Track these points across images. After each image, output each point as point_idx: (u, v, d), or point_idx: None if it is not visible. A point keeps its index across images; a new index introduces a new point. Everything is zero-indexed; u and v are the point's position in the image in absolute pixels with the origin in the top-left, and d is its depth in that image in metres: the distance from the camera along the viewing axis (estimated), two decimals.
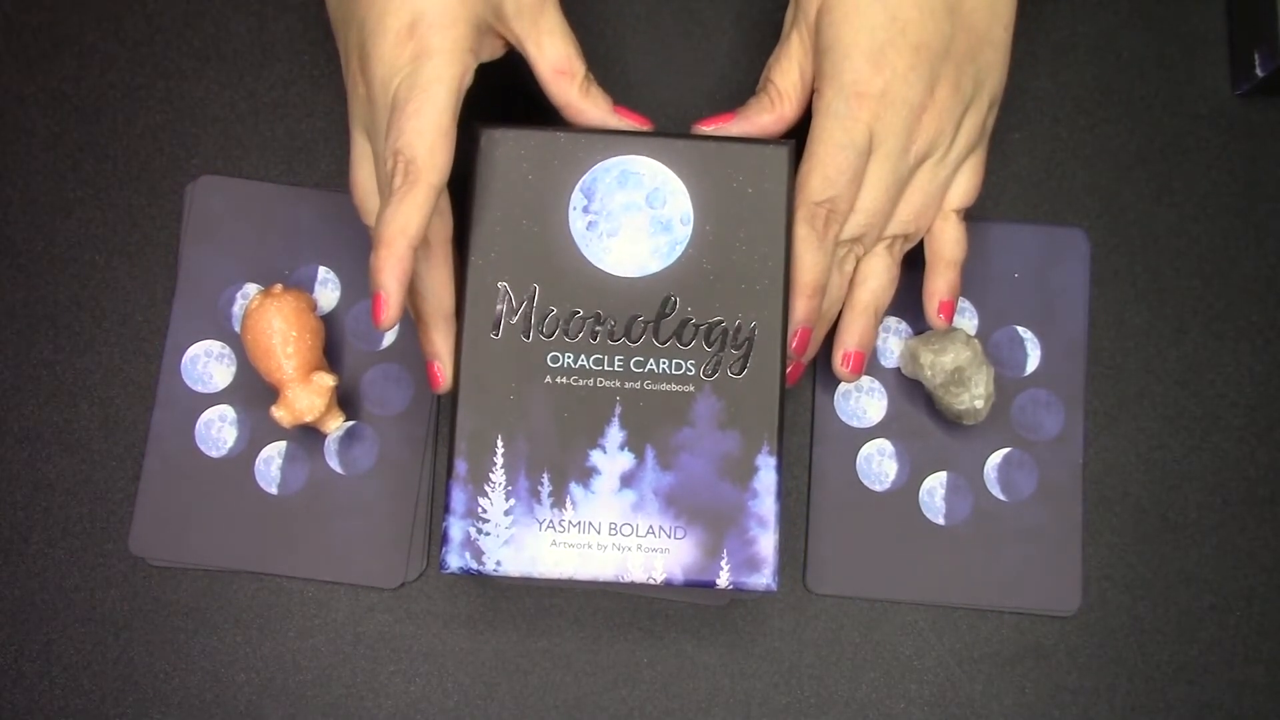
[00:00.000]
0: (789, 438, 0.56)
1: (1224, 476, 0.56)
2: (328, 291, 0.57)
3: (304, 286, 0.56)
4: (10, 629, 0.54)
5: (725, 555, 0.47)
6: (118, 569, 0.54)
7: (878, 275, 0.51)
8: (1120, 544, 0.55)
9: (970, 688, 0.54)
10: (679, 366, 0.48)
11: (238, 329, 0.56)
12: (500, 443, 0.48)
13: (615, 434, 0.48)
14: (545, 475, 0.48)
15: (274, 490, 0.55)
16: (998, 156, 0.58)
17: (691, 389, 0.48)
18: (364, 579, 0.54)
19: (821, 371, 0.56)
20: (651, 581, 0.47)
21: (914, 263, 0.53)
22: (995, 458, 0.55)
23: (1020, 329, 0.56)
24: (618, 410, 0.48)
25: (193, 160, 0.58)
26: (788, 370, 0.49)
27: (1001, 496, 0.55)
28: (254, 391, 0.55)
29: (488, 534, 0.47)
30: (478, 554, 0.47)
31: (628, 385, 0.48)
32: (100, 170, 0.58)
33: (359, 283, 0.57)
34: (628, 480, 0.48)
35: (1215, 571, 0.55)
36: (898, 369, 0.56)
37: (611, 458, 0.48)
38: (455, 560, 0.47)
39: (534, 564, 0.47)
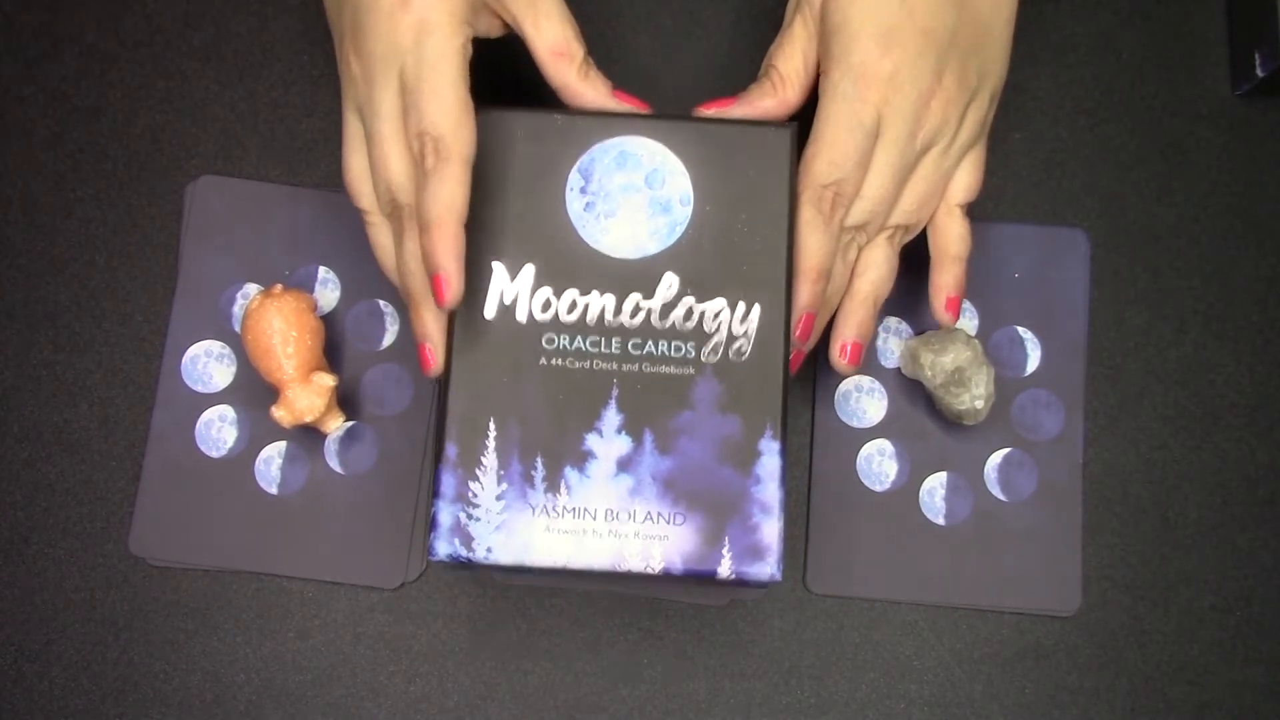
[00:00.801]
0: (792, 424, 0.56)
1: (1224, 476, 0.56)
2: (328, 291, 0.57)
3: (304, 286, 0.56)
4: (10, 629, 0.54)
5: (727, 543, 0.45)
6: (118, 569, 0.54)
7: (878, 266, 0.50)
8: (1120, 544, 0.55)
9: (970, 688, 0.54)
10: (678, 349, 0.47)
11: (238, 329, 0.56)
12: (493, 426, 0.46)
13: (612, 417, 0.46)
14: (539, 459, 0.46)
15: (274, 490, 0.55)
16: (998, 156, 0.58)
17: (691, 371, 0.47)
18: (364, 579, 0.54)
19: (821, 371, 0.56)
20: (650, 571, 0.45)
21: (914, 262, 0.53)
22: (995, 458, 0.55)
23: (1020, 329, 0.56)
24: (614, 393, 0.47)
25: (193, 160, 0.58)
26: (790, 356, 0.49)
27: (1001, 497, 0.55)
28: (254, 391, 0.55)
29: (478, 520, 0.45)
30: (468, 540, 0.45)
31: (625, 368, 0.47)
32: (100, 170, 0.58)
33: (359, 283, 0.57)
34: (625, 465, 0.46)
35: (1215, 571, 0.55)
36: (898, 369, 0.56)
37: (608, 441, 0.46)
38: (444, 547, 0.45)
39: (527, 551, 0.45)
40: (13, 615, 0.54)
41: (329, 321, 0.56)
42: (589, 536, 0.45)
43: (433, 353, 0.47)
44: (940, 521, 0.55)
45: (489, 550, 0.45)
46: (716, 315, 0.47)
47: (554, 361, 0.47)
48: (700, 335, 0.47)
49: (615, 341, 0.47)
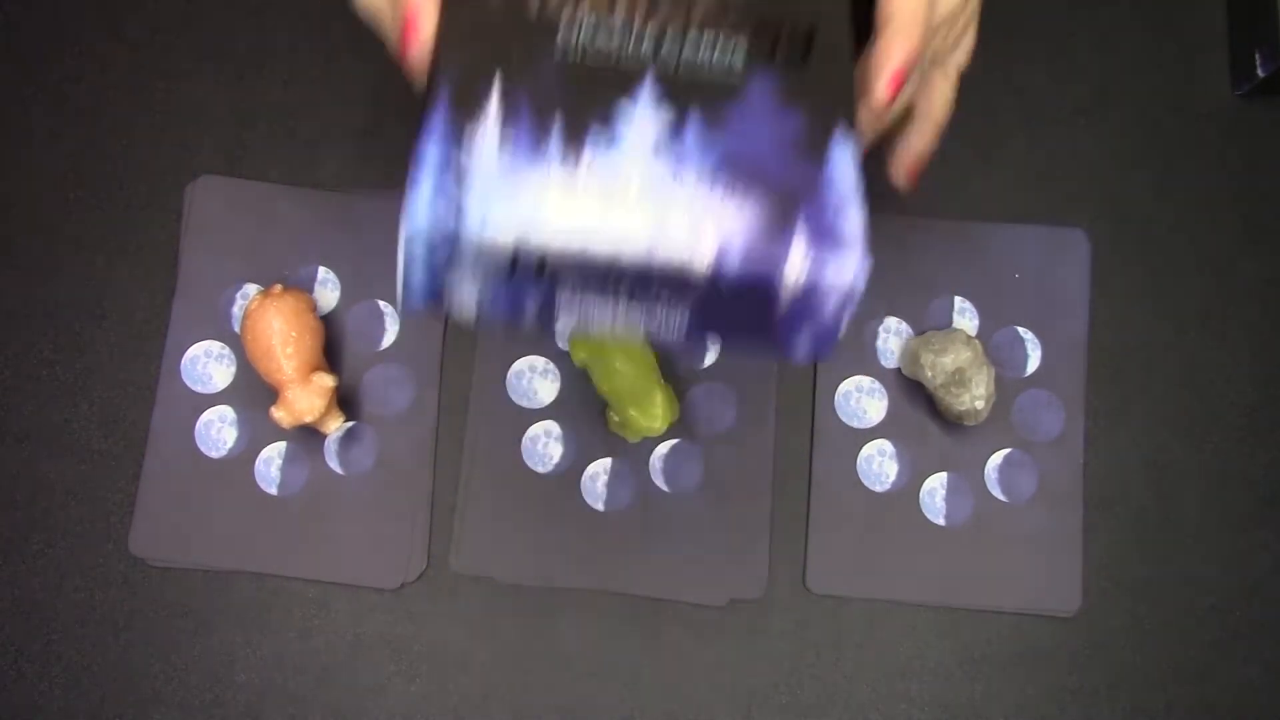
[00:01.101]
0: (791, 423, 0.56)
1: (1224, 476, 0.56)
2: (328, 291, 0.57)
3: (304, 286, 0.56)
4: (10, 629, 0.54)
5: (799, 224, 0.34)
6: (118, 569, 0.54)
7: (944, 91, 0.47)
8: (1120, 544, 0.55)
9: (970, 688, 0.54)
10: (726, 50, 0.38)
11: (238, 329, 0.56)
12: (499, 78, 0.36)
13: (648, 94, 0.36)
14: (557, 117, 0.35)
15: (274, 490, 0.55)
16: (998, 156, 0.58)
17: (742, 78, 0.37)
18: (364, 579, 0.54)
19: (822, 371, 0.56)
20: (697, 267, 0.34)
21: (909, 258, 0.53)
22: (996, 458, 0.55)
23: (1020, 329, 0.56)
24: (649, 77, 0.37)
25: (193, 160, 0.58)
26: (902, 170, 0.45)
27: (1002, 497, 0.55)
28: (254, 392, 0.55)
29: (472, 176, 0.33)
30: (456, 203, 0.33)
31: (662, 66, 0.37)
32: (100, 170, 0.58)
33: (359, 283, 0.57)
34: (664, 143, 0.35)
35: (1215, 571, 0.55)
36: (898, 369, 0.56)
37: (643, 114, 0.36)
38: (424, 213, 0.33)
39: (534, 223, 0.33)
40: (13, 615, 0.54)
41: (329, 321, 0.56)
42: (617, 210, 0.34)
43: (418, 19, 0.37)
44: (940, 522, 0.55)
45: (484, 218, 0.33)
46: (769, 20, 0.39)
47: (573, 57, 0.37)
48: (749, 35, 0.38)
49: (650, 36, 0.38)
